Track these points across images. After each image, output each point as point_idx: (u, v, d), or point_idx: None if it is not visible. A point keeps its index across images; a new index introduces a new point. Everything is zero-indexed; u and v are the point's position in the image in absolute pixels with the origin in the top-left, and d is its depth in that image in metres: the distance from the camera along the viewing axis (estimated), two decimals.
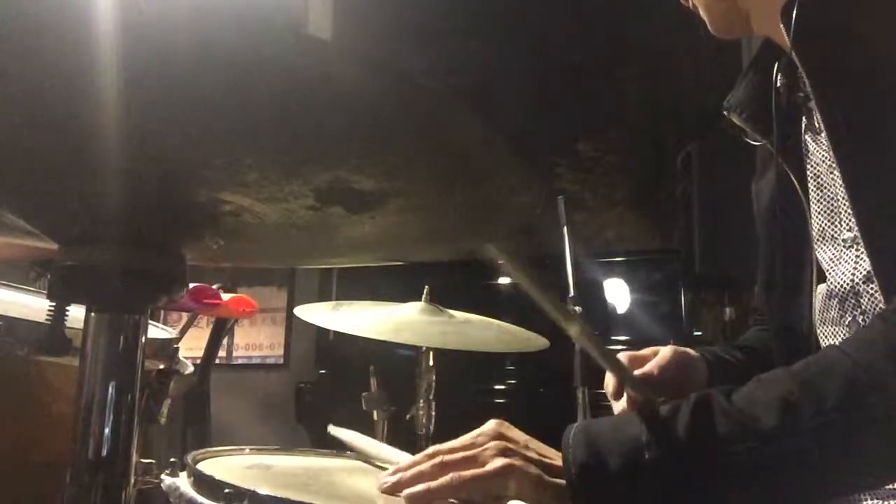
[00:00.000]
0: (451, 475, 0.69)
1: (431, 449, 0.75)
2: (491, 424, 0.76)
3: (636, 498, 0.66)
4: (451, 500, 0.69)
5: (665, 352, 0.97)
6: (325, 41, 0.43)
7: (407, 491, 0.70)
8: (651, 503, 0.66)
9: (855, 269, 0.87)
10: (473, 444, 0.73)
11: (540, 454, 0.72)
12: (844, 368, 0.67)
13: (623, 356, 0.97)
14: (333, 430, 1.10)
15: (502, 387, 3.50)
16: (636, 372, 0.94)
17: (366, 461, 0.98)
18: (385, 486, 0.73)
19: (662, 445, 0.66)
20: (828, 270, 0.91)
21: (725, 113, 1.02)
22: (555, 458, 0.71)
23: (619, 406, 0.95)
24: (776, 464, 0.65)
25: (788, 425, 0.65)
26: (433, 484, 0.69)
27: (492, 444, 0.72)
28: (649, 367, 0.95)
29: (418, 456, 0.75)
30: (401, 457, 0.94)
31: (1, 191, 0.58)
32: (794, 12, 0.83)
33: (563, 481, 0.68)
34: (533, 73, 4.11)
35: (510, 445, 0.72)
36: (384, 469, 0.85)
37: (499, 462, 0.69)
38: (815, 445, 0.65)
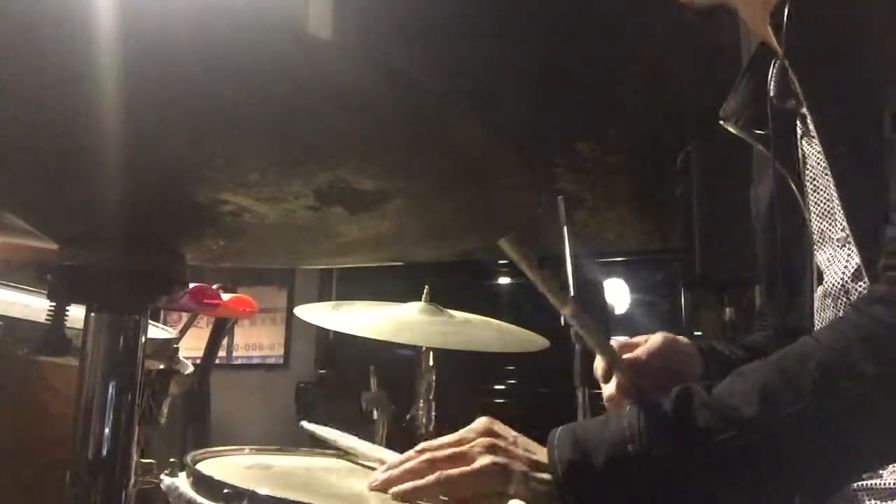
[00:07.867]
0: (437, 473, 0.70)
1: (421, 445, 0.75)
2: (481, 421, 0.76)
3: (622, 491, 0.68)
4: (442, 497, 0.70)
5: (655, 338, 0.99)
6: (325, 41, 0.43)
7: (394, 489, 0.71)
8: (636, 496, 0.67)
9: (845, 267, 0.88)
10: (462, 440, 0.74)
11: (527, 451, 0.73)
12: (819, 356, 0.69)
13: (615, 342, 0.99)
14: (306, 425, 1.10)
15: (502, 387, 3.51)
16: (625, 356, 0.95)
17: (358, 462, 0.98)
18: (375, 483, 0.74)
19: (646, 439, 0.67)
20: (825, 271, 0.92)
21: (722, 122, 1.03)
22: (542, 455, 0.72)
23: (608, 389, 0.96)
24: (757, 451, 0.66)
25: (767, 413, 0.66)
26: (420, 482, 0.70)
27: (479, 440, 0.73)
28: (638, 352, 0.97)
29: (409, 453, 0.76)
30: (373, 451, 0.95)
31: (1, 191, 0.58)
32: (785, 19, 0.83)
33: (548, 476, 0.69)
34: (533, 73, 4.11)
35: (498, 442, 0.73)
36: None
37: (485, 459, 0.70)
38: (794, 432, 0.66)
